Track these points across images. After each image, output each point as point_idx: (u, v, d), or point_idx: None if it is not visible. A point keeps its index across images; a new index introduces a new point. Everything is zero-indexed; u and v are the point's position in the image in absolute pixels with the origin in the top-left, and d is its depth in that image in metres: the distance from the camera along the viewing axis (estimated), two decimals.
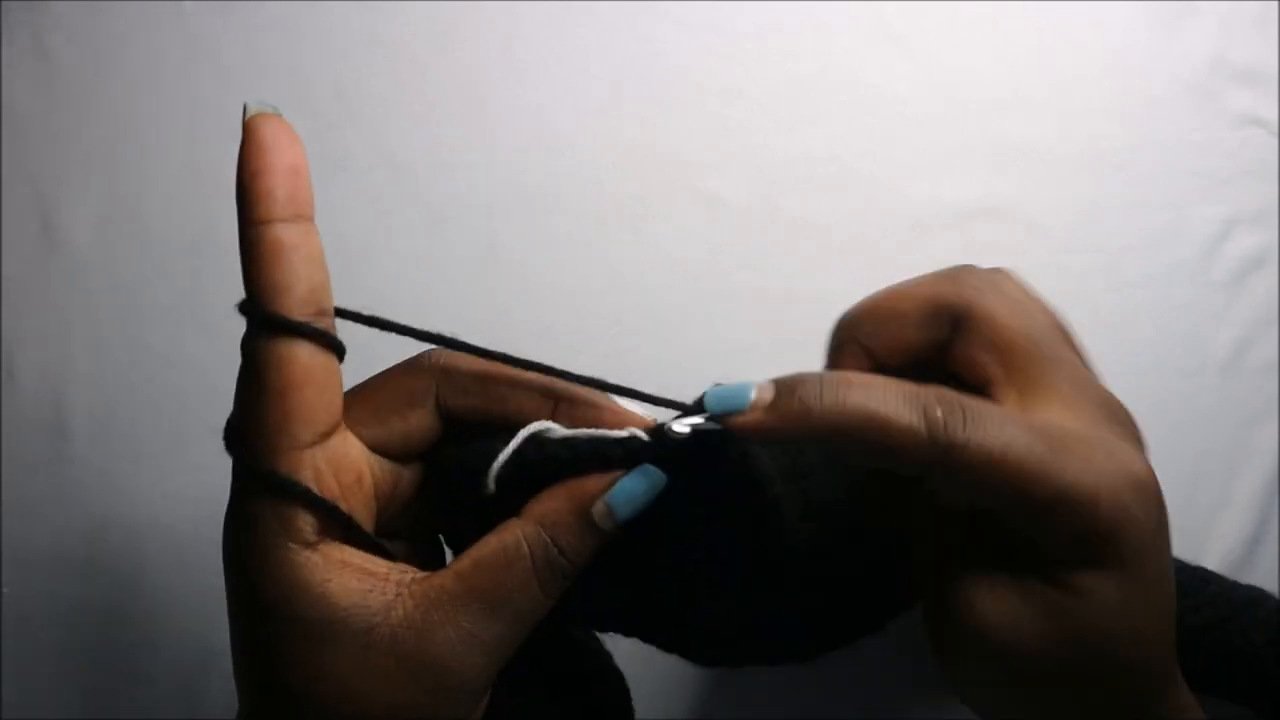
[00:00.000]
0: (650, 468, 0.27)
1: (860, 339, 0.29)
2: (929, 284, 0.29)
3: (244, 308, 0.26)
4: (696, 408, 0.27)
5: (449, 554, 0.32)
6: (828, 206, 0.48)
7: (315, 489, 0.26)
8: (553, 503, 0.27)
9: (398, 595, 0.26)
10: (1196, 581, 0.39)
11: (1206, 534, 0.45)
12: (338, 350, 0.27)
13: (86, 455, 0.45)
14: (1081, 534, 0.25)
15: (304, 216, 0.26)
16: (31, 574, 0.44)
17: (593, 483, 0.27)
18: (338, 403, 0.27)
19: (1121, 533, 0.25)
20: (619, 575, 0.29)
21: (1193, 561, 0.45)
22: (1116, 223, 0.48)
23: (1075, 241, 0.48)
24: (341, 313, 0.27)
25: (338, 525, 0.26)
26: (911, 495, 0.28)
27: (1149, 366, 0.47)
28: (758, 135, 0.49)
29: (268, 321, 0.26)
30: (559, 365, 0.29)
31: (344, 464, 0.27)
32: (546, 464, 0.27)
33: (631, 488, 0.27)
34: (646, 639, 0.31)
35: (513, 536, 0.27)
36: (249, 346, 0.26)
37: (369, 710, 0.26)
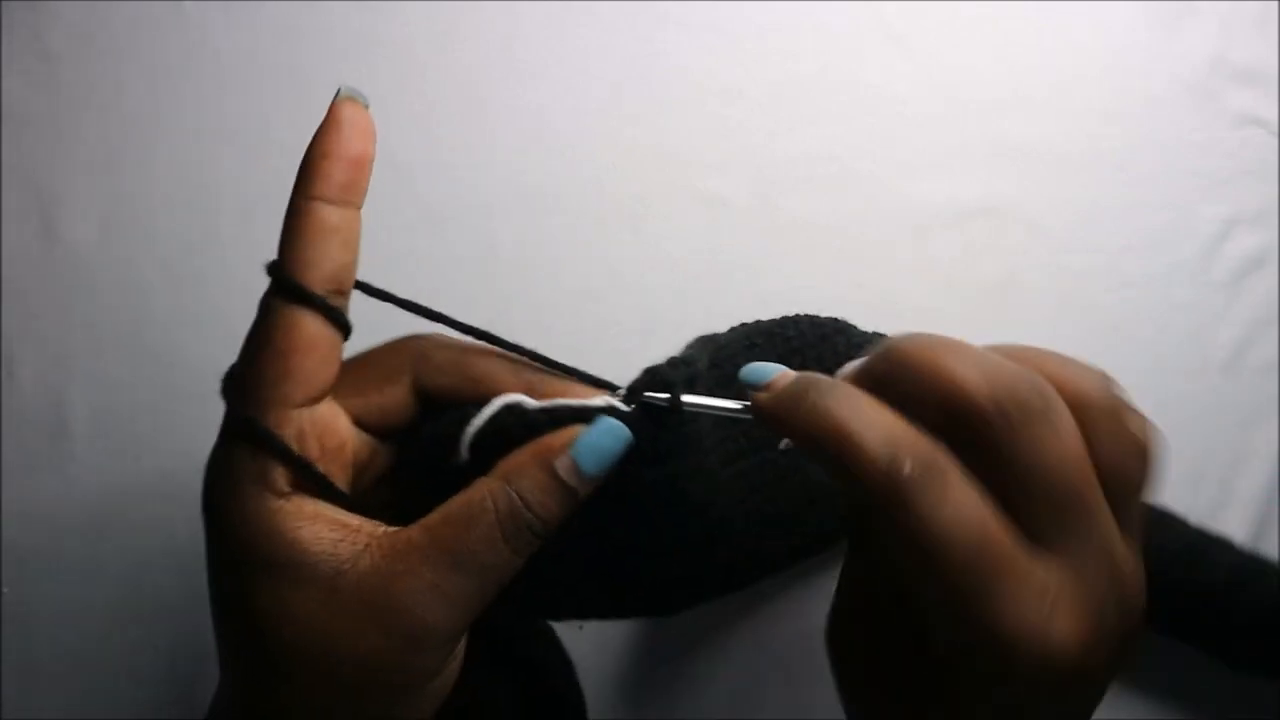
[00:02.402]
0: (613, 422, 0.27)
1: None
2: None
3: (270, 269, 0.28)
4: (644, 386, 0.28)
5: None
6: (828, 206, 0.48)
7: (295, 446, 0.27)
8: (518, 458, 0.27)
9: (367, 546, 0.27)
10: (1203, 547, 0.40)
11: None
12: (344, 329, 0.28)
13: (86, 455, 0.45)
14: (984, 673, 0.23)
15: (352, 204, 0.28)
16: (31, 574, 0.44)
17: (557, 439, 0.27)
18: (333, 375, 0.28)
19: (1023, 698, 0.23)
20: (574, 549, 0.29)
21: None
22: (1116, 223, 0.48)
23: (1075, 241, 0.48)
24: (362, 286, 0.29)
25: (312, 482, 0.27)
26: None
27: (1149, 366, 0.47)
28: (758, 135, 0.49)
29: (288, 288, 0.27)
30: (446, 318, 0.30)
31: (328, 430, 0.28)
32: (526, 430, 0.28)
33: (595, 441, 0.27)
34: (587, 612, 0.32)
35: (478, 492, 0.27)
36: (266, 305, 0.27)
37: (335, 652, 0.26)
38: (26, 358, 0.46)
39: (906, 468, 0.23)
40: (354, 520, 0.28)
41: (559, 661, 0.36)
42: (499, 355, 0.30)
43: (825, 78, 0.50)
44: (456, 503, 0.27)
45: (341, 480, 0.28)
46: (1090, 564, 0.24)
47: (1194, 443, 0.46)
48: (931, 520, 0.22)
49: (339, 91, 0.28)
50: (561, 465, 0.27)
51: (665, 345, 0.46)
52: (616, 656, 0.43)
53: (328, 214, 0.27)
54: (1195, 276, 0.48)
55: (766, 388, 0.26)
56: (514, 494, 0.27)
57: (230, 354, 0.46)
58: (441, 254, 0.47)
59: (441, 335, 0.30)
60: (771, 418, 0.25)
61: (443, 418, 0.29)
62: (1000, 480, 0.24)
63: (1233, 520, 0.45)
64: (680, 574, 0.32)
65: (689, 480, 0.30)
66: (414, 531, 0.27)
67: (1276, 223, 0.48)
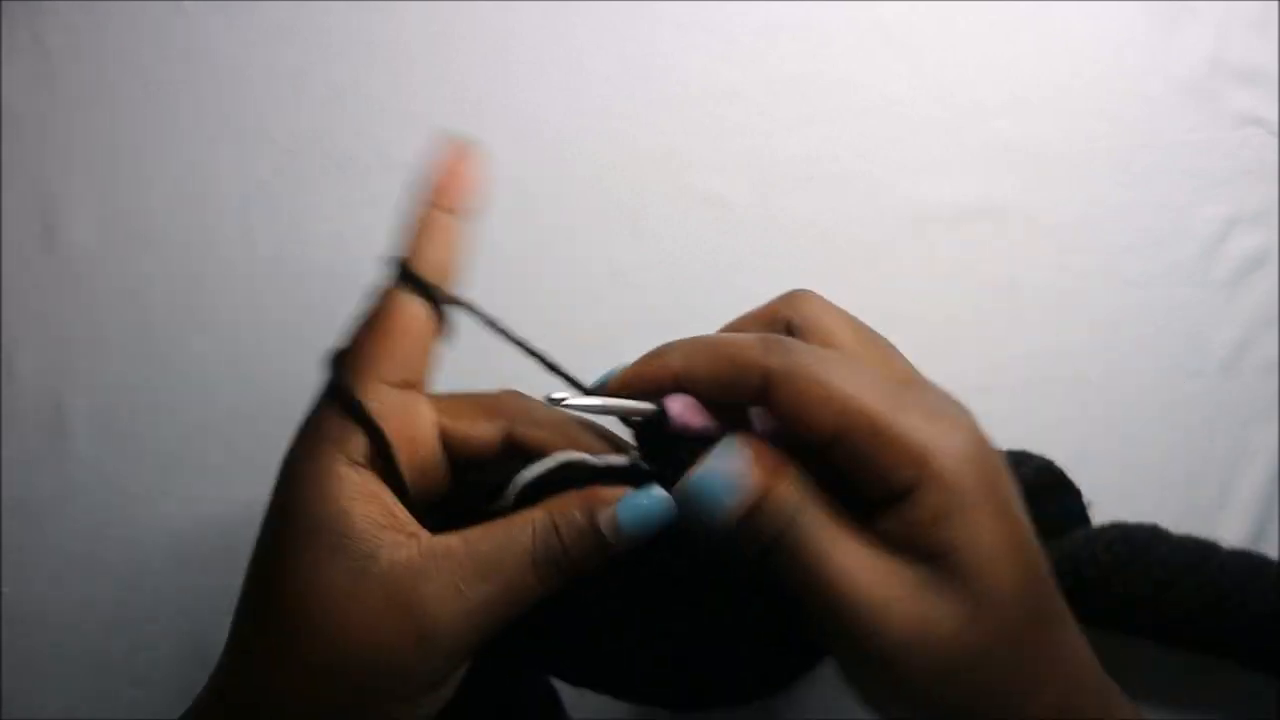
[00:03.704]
0: (661, 493, 0.28)
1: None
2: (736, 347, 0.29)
3: (393, 262, 0.30)
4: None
5: None
6: (828, 206, 0.48)
7: (378, 420, 0.28)
8: (567, 498, 0.28)
9: (408, 539, 0.28)
10: (1196, 556, 0.39)
11: (1207, 534, 0.45)
12: (442, 318, 0.30)
13: (86, 455, 0.45)
14: (910, 481, 0.26)
15: (454, 211, 0.32)
16: (31, 574, 0.44)
17: (609, 492, 0.28)
18: (425, 364, 0.30)
19: (957, 485, 0.26)
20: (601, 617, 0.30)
21: None
22: (1116, 223, 0.48)
23: (1075, 241, 0.48)
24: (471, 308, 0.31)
25: (384, 462, 0.28)
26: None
27: (1149, 366, 0.47)
28: (758, 135, 0.49)
29: (404, 274, 0.30)
30: (558, 367, 0.31)
31: (410, 417, 0.29)
32: (574, 482, 0.29)
33: (641, 504, 0.28)
34: (603, 687, 0.32)
35: (522, 518, 0.28)
36: (382, 292, 0.30)
37: (348, 633, 0.27)
38: (26, 358, 0.46)
39: (767, 344, 0.28)
40: (405, 515, 0.28)
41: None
42: (600, 433, 0.31)
43: (824, 78, 0.50)
44: (499, 524, 0.28)
45: (409, 476, 0.29)
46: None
47: (1194, 443, 0.46)
48: (810, 370, 0.27)
49: (447, 137, 0.33)
50: (604, 515, 0.28)
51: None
52: None
53: (438, 216, 0.31)
54: (1195, 276, 0.48)
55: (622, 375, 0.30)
56: (553, 526, 0.28)
57: (230, 354, 0.46)
58: None
59: (544, 405, 0.31)
60: (637, 382, 0.30)
61: (497, 465, 0.30)
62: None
63: (1233, 520, 0.45)
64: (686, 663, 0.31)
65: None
66: (453, 539, 0.28)
67: (1276, 223, 0.48)
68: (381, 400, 0.29)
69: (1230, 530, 0.45)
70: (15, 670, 0.43)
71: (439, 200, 0.32)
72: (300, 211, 0.48)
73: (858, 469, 0.27)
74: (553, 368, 0.31)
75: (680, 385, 0.29)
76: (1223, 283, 0.48)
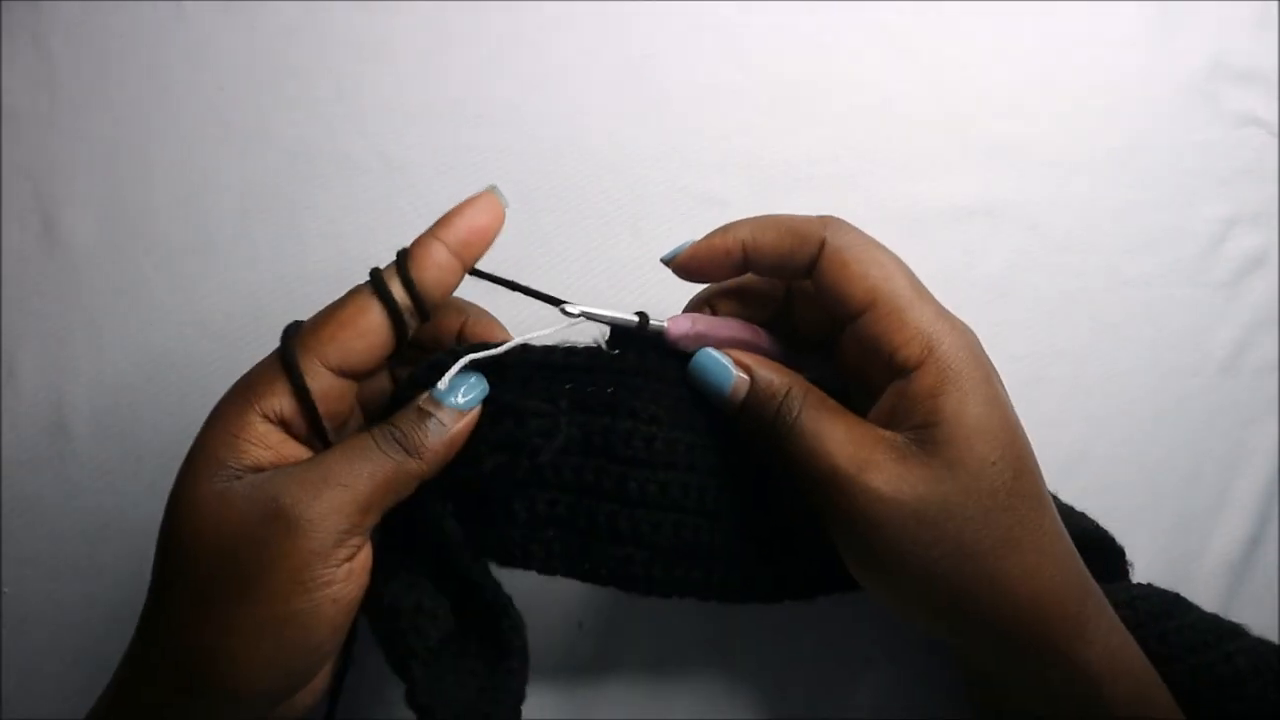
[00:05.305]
0: (477, 378, 0.34)
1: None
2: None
3: (375, 272, 0.33)
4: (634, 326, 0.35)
5: None
6: (828, 206, 0.48)
7: (310, 385, 0.32)
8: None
9: (282, 464, 0.32)
10: (1217, 634, 0.37)
11: (1207, 534, 0.45)
12: (400, 338, 0.33)
13: (87, 455, 0.45)
14: (916, 359, 0.32)
15: (461, 258, 0.33)
16: (31, 574, 0.44)
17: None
18: (366, 366, 0.33)
19: (955, 368, 0.32)
20: (557, 485, 0.33)
21: (1192, 561, 0.45)
22: (1116, 223, 0.48)
23: (1075, 241, 0.48)
24: (477, 273, 0.35)
25: (304, 419, 0.32)
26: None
27: (1149, 366, 0.47)
28: (757, 135, 0.49)
29: (379, 284, 0.32)
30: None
31: (336, 395, 0.33)
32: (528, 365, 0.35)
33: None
34: (582, 570, 0.34)
35: (361, 432, 0.33)
36: (363, 286, 0.33)
37: (222, 533, 0.30)
38: (26, 358, 0.46)
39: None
40: (296, 450, 0.32)
41: (508, 610, 0.36)
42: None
43: (825, 78, 0.50)
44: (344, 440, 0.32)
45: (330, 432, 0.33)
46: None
47: (1194, 443, 0.46)
48: (851, 246, 0.34)
49: (489, 187, 0.35)
50: (421, 399, 0.33)
51: None
52: (615, 656, 0.43)
53: (440, 252, 0.33)
54: (1195, 276, 0.48)
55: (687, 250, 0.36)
56: (388, 425, 0.33)
57: (229, 353, 0.46)
58: None
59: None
60: (703, 253, 0.35)
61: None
62: None
63: (1233, 520, 0.45)
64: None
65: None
66: (314, 455, 0.32)
67: (1276, 223, 0.49)
68: (313, 373, 0.32)
69: (1230, 530, 0.45)
70: (15, 670, 0.43)
71: (444, 235, 0.33)
72: (300, 211, 0.48)
73: (873, 342, 0.32)
74: (546, 297, 0.35)
75: (746, 255, 0.35)
76: (1222, 283, 0.48)
